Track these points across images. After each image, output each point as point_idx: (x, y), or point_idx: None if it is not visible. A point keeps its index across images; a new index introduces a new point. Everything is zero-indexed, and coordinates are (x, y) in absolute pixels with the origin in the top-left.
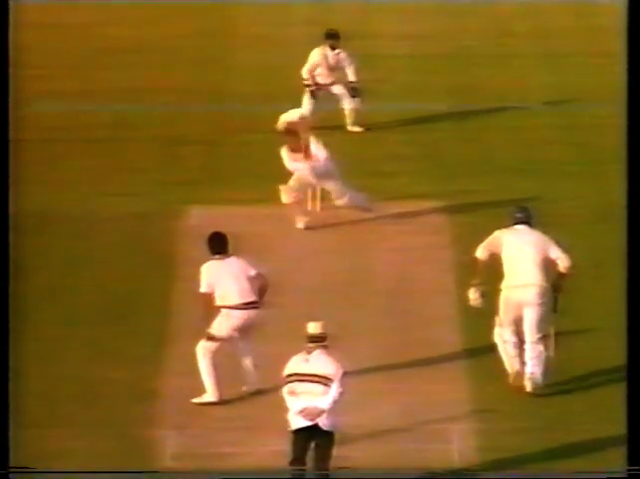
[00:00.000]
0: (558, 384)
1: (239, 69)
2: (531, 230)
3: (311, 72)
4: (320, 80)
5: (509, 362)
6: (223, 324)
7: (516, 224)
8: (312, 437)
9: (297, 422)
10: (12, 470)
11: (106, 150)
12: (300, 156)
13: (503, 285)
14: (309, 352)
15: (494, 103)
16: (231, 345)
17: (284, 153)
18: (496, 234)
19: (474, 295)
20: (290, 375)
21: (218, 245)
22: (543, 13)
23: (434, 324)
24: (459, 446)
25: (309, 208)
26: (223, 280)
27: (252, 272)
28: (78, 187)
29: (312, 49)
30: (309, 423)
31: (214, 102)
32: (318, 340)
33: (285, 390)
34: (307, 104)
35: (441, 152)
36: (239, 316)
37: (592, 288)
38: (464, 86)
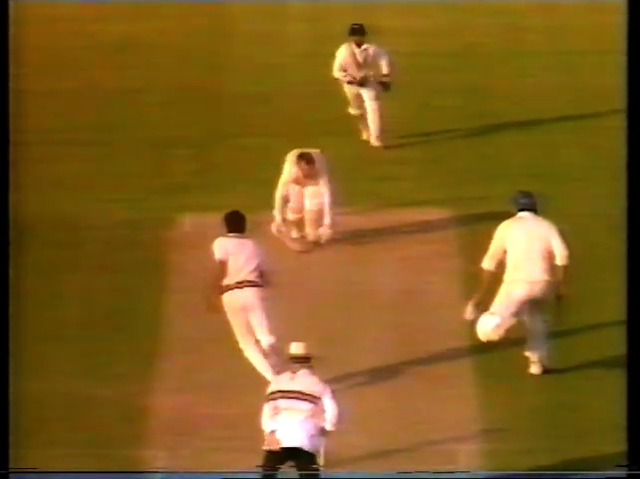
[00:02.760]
0: (566, 398)
1: (234, 68)
2: (536, 217)
3: (343, 69)
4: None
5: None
6: (226, 304)
7: (521, 210)
8: (288, 458)
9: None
10: (12, 470)
11: (93, 153)
12: (307, 181)
13: (507, 279)
14: (294, 372)
15: (505, 103)
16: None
17: (295, 173)
18: (499, 232)
19: (470, 309)
20: (274, 392)
21: (234, 224)
22: (556, 10)
23: (440, 338)
24: (466, 468)
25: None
26: (232, 259)
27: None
28: (63, 192)
29: (311, 47)
30: (283, 445)
31: (208, 103)
32: (302, 361)
33: (269, 407)
34: (350, 101)
35: (448, 155)
36: (236, 295)
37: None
38: (471, 85)
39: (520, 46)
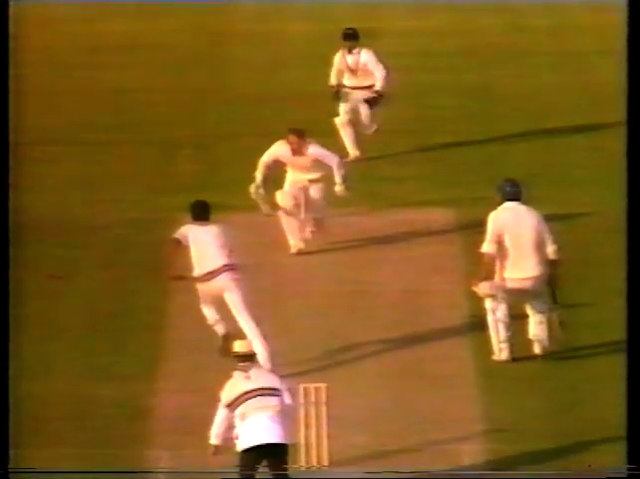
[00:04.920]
0: (567, 398)
1: (235, 69)
2: (525, 207)
3: (338, 78)
4: (346, 82)
5: (497, 342)
6: (202, 292)
7: (508, 199)
8: (263, 456)
9: (247, 441)
10: (12, 470)
11: (95, 153)
12: (300, 159)
13: (506, 276)
14: (245, 371)
15: (506, 103)
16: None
17: (281, 150)
18: (495, 220)
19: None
20: (238, 398)
21: (199, 212)
22: (557, 9)
23: (444, 339)
24: (467, 468)
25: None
26: (199, 247)
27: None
28: (65, 192)
29: (313, 48)
30: (260, 442)
31: (210, 103)
32: (249, 359)
33: (232, 414)
34: (341, 110)
35: (450, 155)
36: (212, 284)
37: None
38: (473, 85)
39: (521, 46)
